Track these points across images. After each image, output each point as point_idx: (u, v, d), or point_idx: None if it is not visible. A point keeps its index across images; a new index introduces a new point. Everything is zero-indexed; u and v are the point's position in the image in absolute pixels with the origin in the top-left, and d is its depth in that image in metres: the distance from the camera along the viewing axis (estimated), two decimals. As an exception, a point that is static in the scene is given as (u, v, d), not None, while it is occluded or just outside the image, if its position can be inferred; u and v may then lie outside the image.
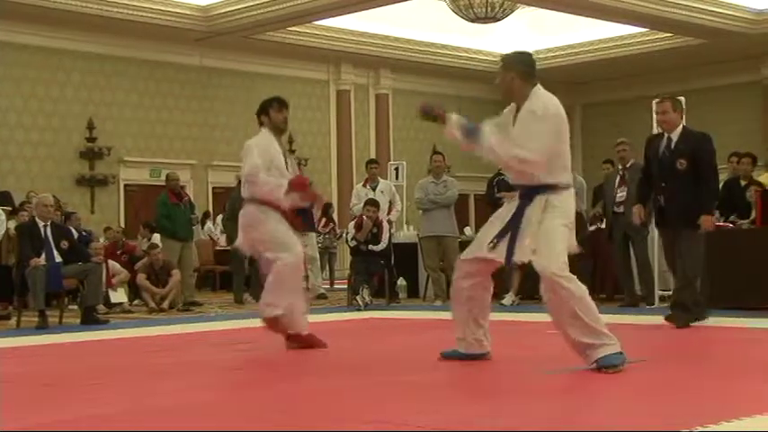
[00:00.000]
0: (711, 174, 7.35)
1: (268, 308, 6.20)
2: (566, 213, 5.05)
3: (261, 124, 6.48)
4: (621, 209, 9.57)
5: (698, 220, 7.25)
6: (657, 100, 7.67)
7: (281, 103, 6.52)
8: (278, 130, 6.50)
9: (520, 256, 5.02)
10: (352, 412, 4.01)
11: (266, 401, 4.34)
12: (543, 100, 5.21)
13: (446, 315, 5.70)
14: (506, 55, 5.52)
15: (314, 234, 12.85)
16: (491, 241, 5.14)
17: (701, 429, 3.32)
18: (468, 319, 5.31)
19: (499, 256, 5.12)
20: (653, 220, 8.70)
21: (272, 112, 6.43)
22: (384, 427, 3.64)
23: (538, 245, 4.93)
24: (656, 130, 8.80)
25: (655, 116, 7.77)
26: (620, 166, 9.89)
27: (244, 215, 6.37)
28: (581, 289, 4.87)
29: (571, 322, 4.84)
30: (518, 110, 5.23)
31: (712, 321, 7.73)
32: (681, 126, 7.45)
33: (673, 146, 7.32)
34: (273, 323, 6.25)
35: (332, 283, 14.66)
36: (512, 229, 5.06)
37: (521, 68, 5.34)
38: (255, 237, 6.29)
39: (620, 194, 9.66)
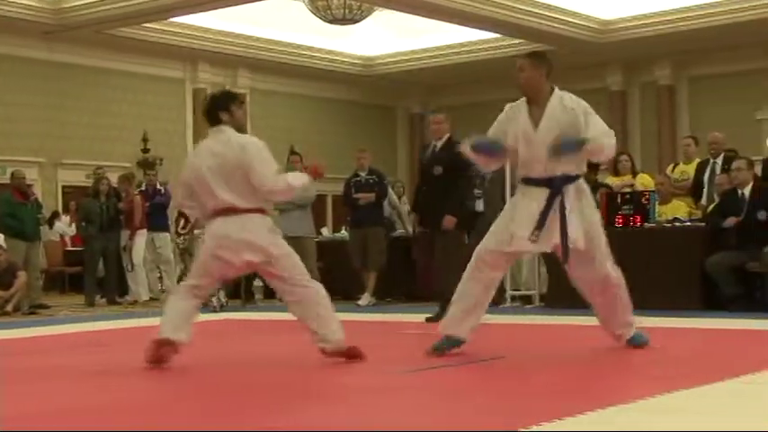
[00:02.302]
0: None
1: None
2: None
3: (217, 122, 5.49)
4: (481, 208, 9.96)
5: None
6: (434, 111, 8.47)
7: (241, 99, 5.87)
8: (241, 131, 5.65)
9: (576, 243, 5.30)
10: (205, 413, 3.96)
11: (119, 405, 4.24)
12: (575, 98, 5.62)
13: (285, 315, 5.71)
14: (536, 52, 5.91)
15: (167, 235, 12.66)
16: (533, 234, 5.27)
17: (536, 429, 3.39)
18: (477, 307, 5.47)
19: (540, 247, 5.43)
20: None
21: (234, 108, 5.52)
22: (235, 427, 3.62)
23: (590, 234, 5.34)
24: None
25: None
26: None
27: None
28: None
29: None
30: (533, 106, 5.48)
31: (559, 320, 8.01)
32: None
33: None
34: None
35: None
36: (550, 219, 5.27)
37: (549, 67, 5.62)
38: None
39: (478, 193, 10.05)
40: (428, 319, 7.85)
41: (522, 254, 5.56)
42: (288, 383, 4.82)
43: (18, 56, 16.64)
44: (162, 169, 18.22)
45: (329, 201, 20.12)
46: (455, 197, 8.22)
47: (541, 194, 5.33)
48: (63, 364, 5.86)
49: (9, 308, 10.47)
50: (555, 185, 5.33)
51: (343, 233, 12.01)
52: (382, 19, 17.12)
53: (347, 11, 15.35)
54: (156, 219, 12.38)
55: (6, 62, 16.54)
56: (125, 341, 7.49)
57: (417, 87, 21.50)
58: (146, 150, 18.39)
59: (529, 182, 5.44)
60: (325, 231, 12.93)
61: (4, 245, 11.13)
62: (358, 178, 10.94)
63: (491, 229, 5.50)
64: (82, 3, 15.46)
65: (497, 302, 9.97)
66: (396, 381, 4.80)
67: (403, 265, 10.87)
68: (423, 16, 16.56)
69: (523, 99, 5.60)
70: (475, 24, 16.90)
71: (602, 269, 5.51)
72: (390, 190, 11.90)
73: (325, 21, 15.64)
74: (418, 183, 8.57)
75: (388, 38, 19.20)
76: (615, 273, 5.58)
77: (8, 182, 11.86)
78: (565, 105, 5.49)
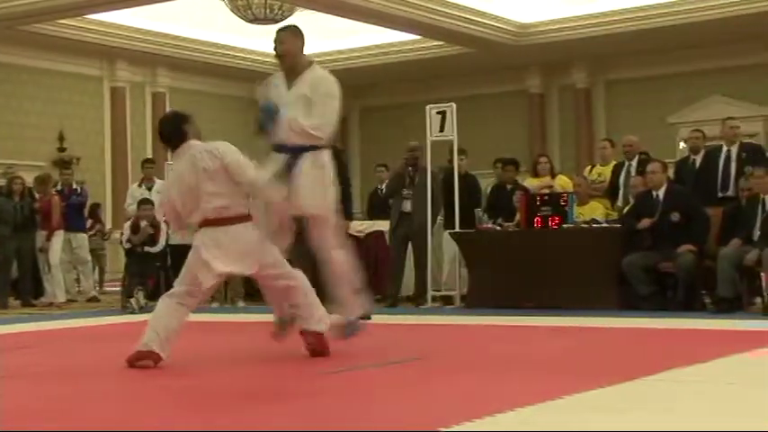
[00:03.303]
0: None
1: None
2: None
3: (183, 139, 5.49)
4: (408, 209, 10.02)
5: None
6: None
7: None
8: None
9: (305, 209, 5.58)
10: (122, 417, 3.92)
11: (36, 407, 4.16)
12: (330, 77, 5.76)
13: (223, 317, 5.69)
14: (292, 25, 6.03)
15: (85, 235, 12.47)
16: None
17: (456, 429, 3.43)
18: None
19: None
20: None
21: (190, 120, 5.63)
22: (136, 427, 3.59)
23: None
24: (431, 135, 9.54)
25: None
26: (411, 169, 10.24)
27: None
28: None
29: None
30: (290, 77, 5.66)
31: (479, 320, 8.11)
32: None
33: None
34: None
35: (101, 286, 14.16)
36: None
37: (304, 40, 5.79)
38: None
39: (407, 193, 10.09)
40: None
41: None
42: (207, 386, 4.79)
43: (-72, 51, 16.16)
44: (78, 168, 17.88)
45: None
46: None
47: (281, 160, 5.63)
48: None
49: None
50: (288, 151, 5.59)
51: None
52: (304, 19, 17.08)
53: (268, 11, 15.26)
54: (73, 219, 12.17)
55: None
56: (47, 342, 7.34)
57: (341, 88, 21.48)
58: (62, 149, 18.02)
59: (275, 148, 5.70)
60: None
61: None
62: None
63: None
64: (-6, -2, 15.07)
65: (418, 303, 10.08)
66: (316, 383, 4.80)
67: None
68: (342, 17, 16.58)
69: (280, 72, 5.85)
70: (394, 26, 16.97)
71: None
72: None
73: (245, 20, 15.53)
74: None
75: (309, 38, 19.12)
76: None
77: None
78: (318, 80, 5.70)
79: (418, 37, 18.07)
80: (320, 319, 5.54)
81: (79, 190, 12.48)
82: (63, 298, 11.74)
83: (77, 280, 12.70)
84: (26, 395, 4.64)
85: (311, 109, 5.59)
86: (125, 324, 8.76)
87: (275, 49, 5.81)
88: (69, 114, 18.26)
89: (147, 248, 10.46)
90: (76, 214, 12.29)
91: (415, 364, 5.44)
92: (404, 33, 17.86)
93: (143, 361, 5.28)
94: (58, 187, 12.49)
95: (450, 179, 10.24)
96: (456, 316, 8.91)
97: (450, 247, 10.38)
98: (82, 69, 18.48)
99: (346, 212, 8.41)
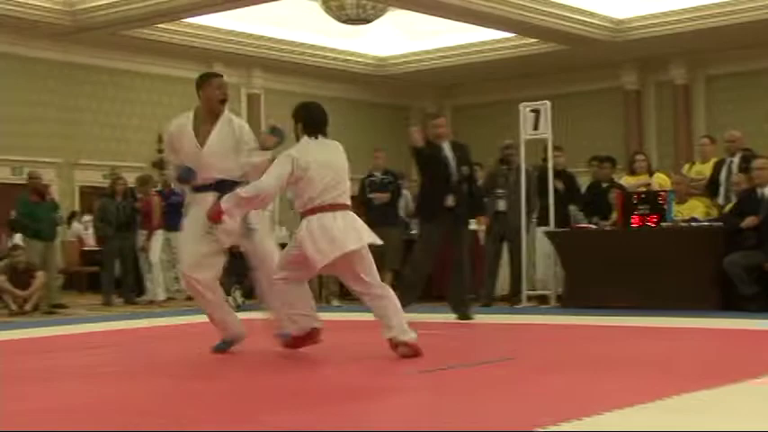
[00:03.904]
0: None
1: None
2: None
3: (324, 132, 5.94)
4: (503, 208, 9.96)
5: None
6: (435, 114, 8.66)
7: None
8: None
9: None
10: (225, 413, 3.97)
11: (135, 405, 4.26)
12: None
13: (321, 315, 5.74)
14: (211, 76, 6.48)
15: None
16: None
17: (553, 429, 3.39)
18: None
19: None
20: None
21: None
22: (257, 427, 3.63)
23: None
24: (525, 133, 9.49)
25: (439, 129, 8.51)
26: (505, 167, 10.16)
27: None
28: None
29: None
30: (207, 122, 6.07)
31: (575, 320, 8.01)
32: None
33: (452, 153, 8.32)
34: None
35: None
36: None
37: None
38: None
39: (501, 192, 10.02)
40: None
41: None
42: (303, 384, 4.83)
43: (35, 57, 16.71)
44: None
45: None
46: (480, 196, 8.81)
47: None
48: (76, 364, 5.89)
49: (28, 307, 10.53)
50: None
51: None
52: (395, 19, 17.12)
53: (360, 10, 15.35)
54: (173, 219, 12.42)
55: (24, 64, 16.62)
56: (141, 341, 7.52)
57: (431, 87, 21.48)
58: (161, 151, 18.44)
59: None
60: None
61: (22, 244, 11.19)
62: (373, 178, 10.95)
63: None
64: (97, 4, 15.51)
65: (513, 302, 9.99)
66: (410, 381, 4.80)
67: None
68: (437, 16, 16.54)
69: (189, 115, 6.25)
70: (489, 24, 16.87)
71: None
72: (406, 191, 11.88)
73: (338, 20, 15.65)
74: (429, 181, 8.49)
75: (400, 38, 19.19)
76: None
77: (25, 182, 11.90)
78: (233, 126, 6.08)
79: (512, 35, 17.93)
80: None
81: (178, 190, 12.73)
82: (163, 296, 12.02)
83: (176, 279, 12.95)
84: (134, 390, 4.75)
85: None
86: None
87: (223, 94, 6.27)
88: (168, 116, 18.54)
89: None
90: (176, 214, 12.55)
91: (510, 363, 5.40)
92: (497, 31, 17.74)
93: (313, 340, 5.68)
94: (158, 188, 12.77)
95: (546, 177, 10.12)
96: (551, 316, 8.81)
97: (543, 246, 10.27)
98: (179, 72, 18.86)
99: (479, 208, 8.62)
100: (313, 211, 5.56)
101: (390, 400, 4.22)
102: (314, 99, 21.31)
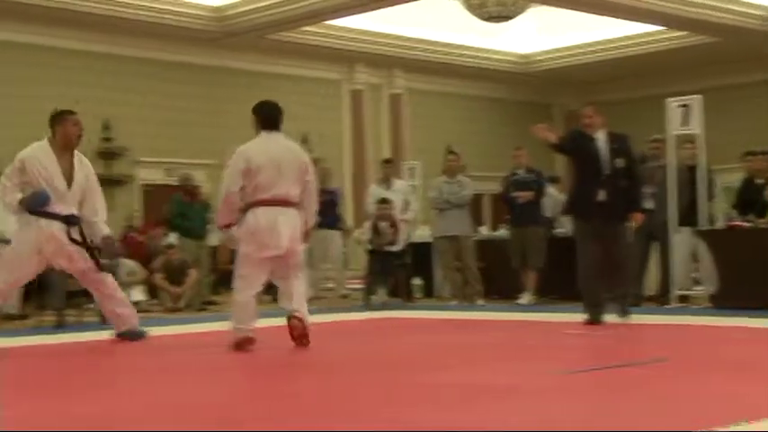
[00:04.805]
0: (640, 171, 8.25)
1: None
2: None
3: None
4: (651, 206, 9.59)
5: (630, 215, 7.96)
6: (588, 105, 8.19)
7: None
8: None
9: None
10: (363, 411, 4.01)
11: (282, 401, 4.35)
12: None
13: (463, 314, 5.72)
14: None
15: (337, 233, 12.41)
16: None
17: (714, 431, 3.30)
18: None
19: None
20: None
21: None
22: (397, 426, 3.64)
23: None
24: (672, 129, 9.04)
25: (586, 120, 7.99)
26: (655, 164, 9.88)
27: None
28: None
29: None
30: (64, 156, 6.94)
31: (727, 321, 7.72)
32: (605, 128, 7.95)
33: (606, 145, 7.79)
34: None
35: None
36: None
37: None
38: None
39: (650, 192, 9.73)
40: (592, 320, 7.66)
41: None
42: (447, 382, 4.82)
43: (185, 62, 17.32)
44: (319, 170, 18.57)
45: (486, 200, 20.04)
46: (637, 191, 8.09)
47: None
48: (223, 359, 6.05)
49: (181, 304, 10.91)
50: None
51: (502, 232, 11.92)
52: (538, 14, 16.92)
53: (502, 7, 15.24)
54: (326, 217, 12.51)
55: (175, 69, 17.24)
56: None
57: (574, 84, 21.14)
58: (310, 151, 18.80)
59: None
60: (484, 230, 12.86)
61: (176, 243, 11.60)
62: (516, 176, 10.86)
63: None
64: (243, 10, 15.97)
65: (662, 302, 9.71)
66: (559, 381, 4.73)
67: (565, 263, 10.72)
68: (581, 11, 16.27)
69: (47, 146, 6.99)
70: (635, 18, 16.49)
71: None
72: (552, 189, 11.71)
73: (480, 18, 15.59)
74: (580, 175, 8.12)
75: (541, 34, 18.96)
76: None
77: (178, 183, 12.36)
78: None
79: (659, 28, 17.45)
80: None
81: (333, 189, 12.88)
82: (313, 294, 12.19)
83: (328, 278, 13.09)
84: (274, 385, 4.86)
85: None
86: (367, 320, 9.02)
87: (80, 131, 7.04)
88: (311, 117, 19.01)
89: (387, 248, 10.69)
90: (329, 212, 12.65)
91: (662, 364, 5.25)
92: (644, 25, 17.31)
93: None
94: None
95: (688, 175, 9.77)
96: (704, 316, 8.53)
97: (684, 245, 9.85)
98: (323, 74, 19.21)
99: (633, 204, 7.96)
100: (254, 204, 6.11)
101: (540, 399, 4.17)
102: (456, 98, 21.36)
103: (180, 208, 11.61)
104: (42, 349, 6.98)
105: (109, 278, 7.13)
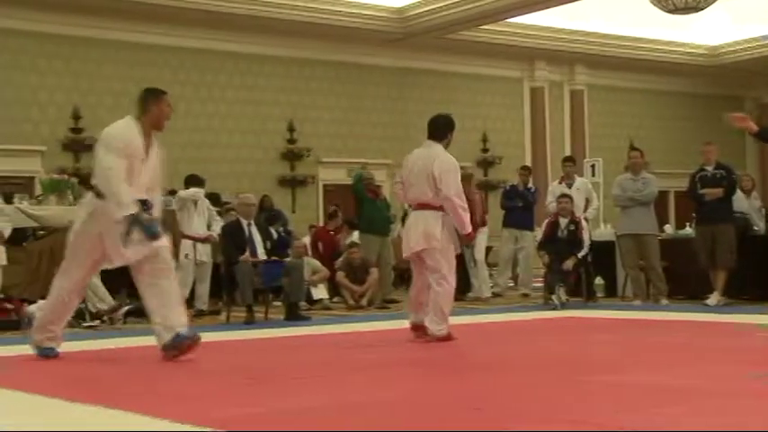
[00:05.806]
0: None
1: None
2: None
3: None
4: None
5: None
6: None
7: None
8: None
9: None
10: (549, 411, 3.98)
11: (461, 398, 4.37)
12: None
13: (646, 315, 5.58)
14: None
15: (531, 233, 12.44)
16: None
17: None
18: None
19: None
20: None
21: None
22: (582, 427, 3.60)
23: None
24: None
25: None
26: None
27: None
28: None
29: None
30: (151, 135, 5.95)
31: None
32: None
33: None
34: None
35: (515, 282, 14.29)
36: None
37: None
38: None
39: None
40: None
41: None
42: (631, 383, 4.72)
43: (367, 64, 17.65)
44: (500, 168, 18.56)
45: (671, 197, 19.43)
46: None
47: None
48: (402, 357, 6.13)
49: (363, 302, 11.12)
50: None
51: (688, 230, 11.52)
52: (727, 4, 16.25)
53: (689, -1, 14.72)
54: (517, 217, 12.55)
55: (356, 70, 17.61)
56: (474, 334, 7.68)
57: (760, 77, 20.19)
58: (485, 150, 18.82)
59: None
60: (669, 229, 12.46)
61: (358, 242, 11.83)
62: (704, 173, 10.46)
63: None
64: (424, 10, 16.14)
65: None
66: (749, 385, 4.54)
67: (758, 263, 10.29)
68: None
69: (137, 128, 5.86)
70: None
71: None
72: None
73: (666, 11, 15.10)
74: None
75: (732, 25, 18.18)
76: None
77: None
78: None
79: None
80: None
81: (533, 189, 12.85)
82: (488, 293, 12.19)
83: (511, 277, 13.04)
84: (442, 384, 4.88)
85: None
86: (549, 319, 8.92)
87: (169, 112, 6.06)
88: (491, 116, 19.00)
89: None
90: (526, 213, 12.63)
91: None
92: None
93: None
94: (507, 187, 13.03)
95: None
96: None
97: None
98: (503, 72, 19.14)
99: None
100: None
101: (731, 403, 4.02)
102: (639, 93, 20.89)
103: (367, 203, 11.73)
104: (234, 345, 7.27)
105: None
